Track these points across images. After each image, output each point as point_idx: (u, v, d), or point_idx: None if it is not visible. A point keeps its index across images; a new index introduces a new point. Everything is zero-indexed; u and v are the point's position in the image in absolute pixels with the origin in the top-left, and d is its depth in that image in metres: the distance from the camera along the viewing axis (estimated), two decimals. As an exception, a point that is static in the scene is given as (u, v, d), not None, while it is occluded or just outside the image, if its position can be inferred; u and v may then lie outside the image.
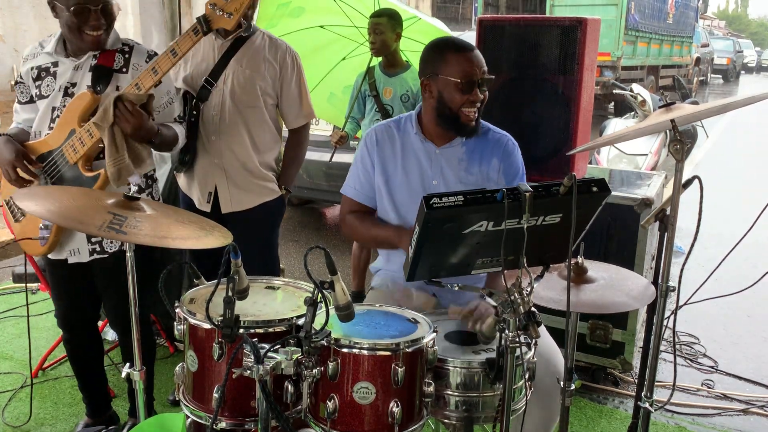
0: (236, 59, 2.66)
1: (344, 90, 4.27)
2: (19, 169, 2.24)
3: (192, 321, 1.65)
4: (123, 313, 2.47)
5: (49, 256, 2.41)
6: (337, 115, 4.35)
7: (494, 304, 1.85)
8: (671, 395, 2.34)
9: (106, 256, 2.38)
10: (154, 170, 2.49)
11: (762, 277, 2.27)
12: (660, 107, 1.96)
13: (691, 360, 3.50)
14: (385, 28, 3.55)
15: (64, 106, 2.27)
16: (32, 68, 2.35)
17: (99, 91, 2.25)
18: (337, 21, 4.12)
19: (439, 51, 2.09)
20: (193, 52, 2.73)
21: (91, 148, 2.21)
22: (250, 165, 2.72)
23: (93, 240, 2.36)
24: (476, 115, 2.08)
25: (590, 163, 4.87)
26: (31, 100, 2.38)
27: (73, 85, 2.29)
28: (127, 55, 2.33)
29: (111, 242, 2.37)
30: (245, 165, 2.71)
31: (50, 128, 2.30)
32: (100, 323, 2.73)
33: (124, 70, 2.31)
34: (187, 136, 2.65)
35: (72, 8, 2.17)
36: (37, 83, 2.34)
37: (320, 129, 5.24)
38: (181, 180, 2.87)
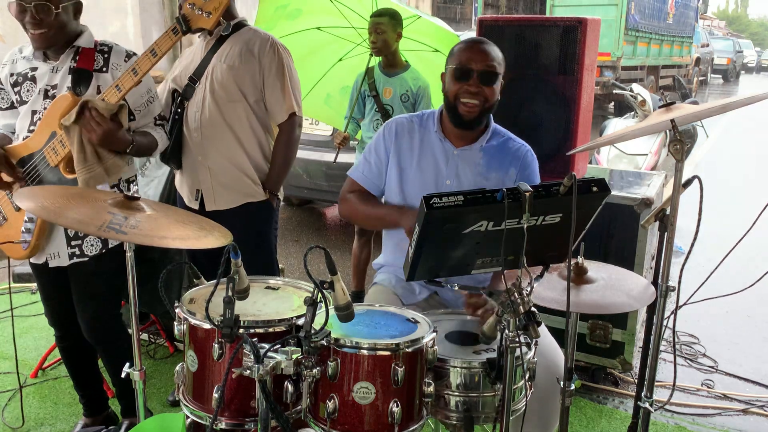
0: (217, 55, 2.65)
1: (341, 91, 4.26)
2: (2, 174, 2.25)
3: (192, 321, 1.65)
4: (104, 322, 2.47)
5: (31, 260, 2.40)
6: (335, 117, 4.34)
7: (494, 304, 1.86)
8: (671, 395, 2.35)
9: (86, 259, 2.36)
10: (135, 176, 2.48)
11: (762, 277, 2.27)
12: (660, 107, 1.96)
13: (691, 360, 3.50)
14: (386, 27, 3.55)
15: (45, 108, 2.26)
16: (11, 74, 2.35)
17: (80, 93, 2.24)
18: (334, 22, 4.11)
19: (453, 47, 2.12)
20: (187, 52, 2.74)
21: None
22: (233, 162, 2.68)
23: (73, 243, 2.34)
24: (476, 108, 2.05)
25: (590, 163, 4.87)
26: (12, 106, 2.38)
27: (53, 87, 2.28)
28: (106, 55, 2.32)
29: (91, 245, 2.35)
30: (229, 162, 2.68)
31: (30, 131, 2.29)
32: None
33: (104, 69, 2.31)
34: (171, 132, 2.63)
35: (12, 6, 2.17)
36: (16, 89, 2.33)
37: (320, 129, 5.24)
38: (177, 178, 2.88)
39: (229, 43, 2.66)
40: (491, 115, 2.19)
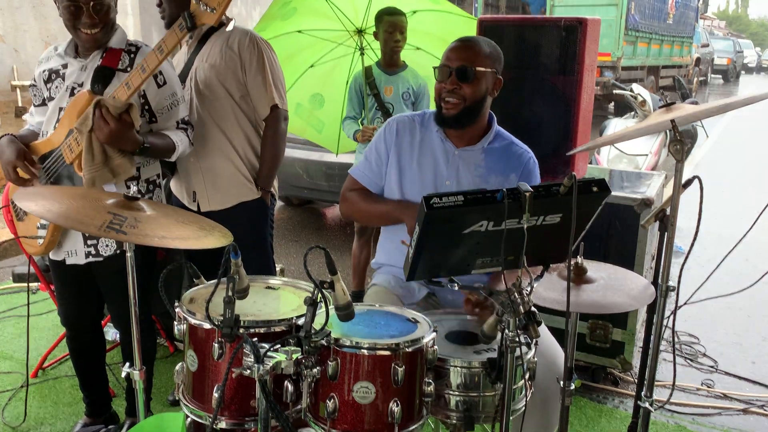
0: (199, 56, 2.65)
1: (311, 99, 4.16)
2: (18, 169, 2.26)
3: (192, 321, 1.65)
4: (126, 314, 2.47)
5: (50, 256, 2.42)
6: (305, 127, 4.23)
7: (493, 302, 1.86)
8: (671, 395, 2.35)
9: (101, 259, 2.36)
10: (158, 175, 2.46)
11: (762, 277, 2.27)
12: (660, 107, 1.96)
13: (690, 360, 3.50)
14: (406, 25, 3.57)
15: None
16: (44, 71, 2.37)
17: (97, 90, 2.24)
18: (320, 25, 3.96)
19: None
20: (175, 60, 2.74)
21: None
22: (225, 161, 2.68)
23: (89, 242, 2.35)
24: (457, 106, 2.04)
25: (590, 163, 4.87)
26: (44, 103, 2.40)
27: (80, 85, 2.30)
28: (132, 55, 2.32)
29: (107, 245, 2.35)
30: (220, 161, 2.67)
31: (55, 128, 2.31)
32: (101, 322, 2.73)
33: (128, 69, 2.31)
34: None
35: (64, 4, 2.18)
36: (48, 86, 2.36)
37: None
38: (173, 182, 2.87)
39: (210, 43, 2.67)
40: (493, 116, 2.19)
